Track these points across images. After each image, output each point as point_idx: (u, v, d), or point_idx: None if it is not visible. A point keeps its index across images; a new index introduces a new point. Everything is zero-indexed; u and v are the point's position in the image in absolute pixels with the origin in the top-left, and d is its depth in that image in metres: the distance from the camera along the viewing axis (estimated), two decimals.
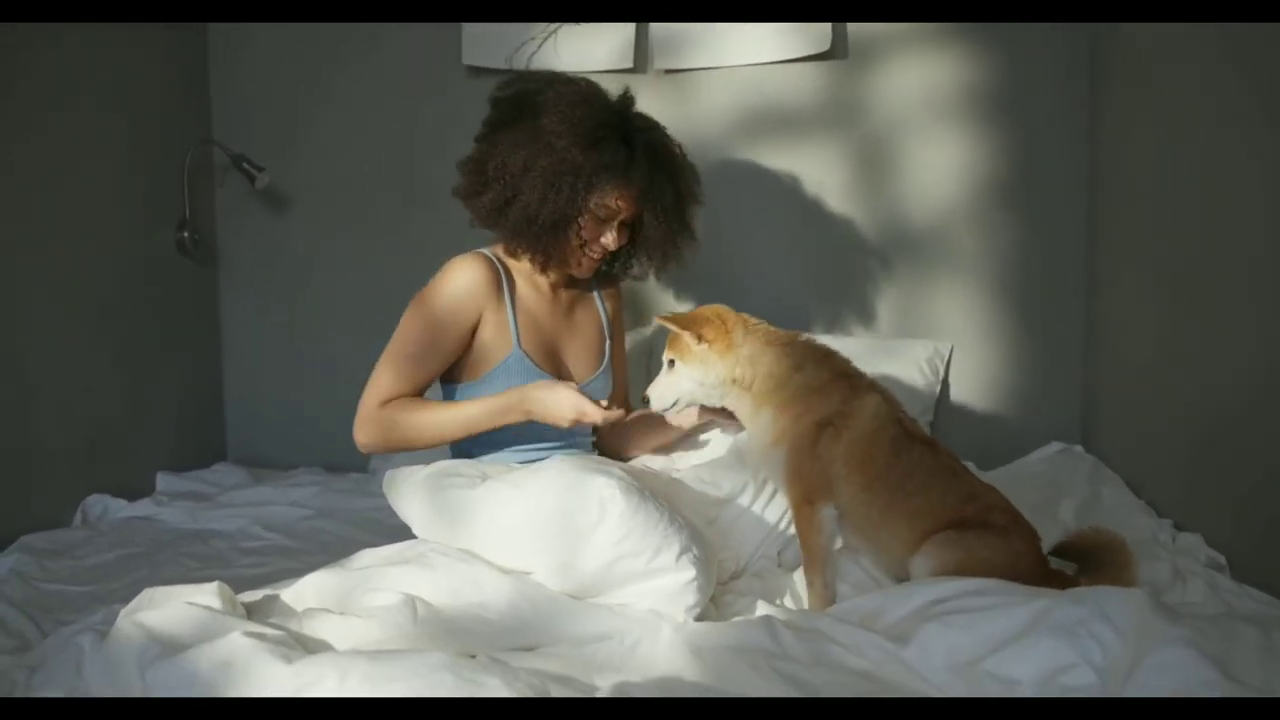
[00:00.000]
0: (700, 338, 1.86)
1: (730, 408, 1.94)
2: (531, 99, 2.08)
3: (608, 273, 2.28)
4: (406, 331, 2.05)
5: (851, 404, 1.86)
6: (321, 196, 3.17)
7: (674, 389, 1.92)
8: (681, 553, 1.65)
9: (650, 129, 2.14)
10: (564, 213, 2.03)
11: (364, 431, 2.01)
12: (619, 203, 2.07)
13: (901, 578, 1.81)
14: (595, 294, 2.31)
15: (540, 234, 2.04)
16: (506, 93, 2.13)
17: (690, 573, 1.65)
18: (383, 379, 2.03)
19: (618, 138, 2.05)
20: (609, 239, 2.10)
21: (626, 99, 2.14)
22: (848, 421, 1.83)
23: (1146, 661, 1.27)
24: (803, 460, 1.82)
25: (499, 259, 2.13)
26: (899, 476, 1.82)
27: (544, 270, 2.15)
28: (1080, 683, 1.31)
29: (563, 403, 1.90)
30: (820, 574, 1.80)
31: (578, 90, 2.08)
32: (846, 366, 1.95)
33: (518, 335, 2.08)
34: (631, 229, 2.16)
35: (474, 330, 2.07)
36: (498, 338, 2.07)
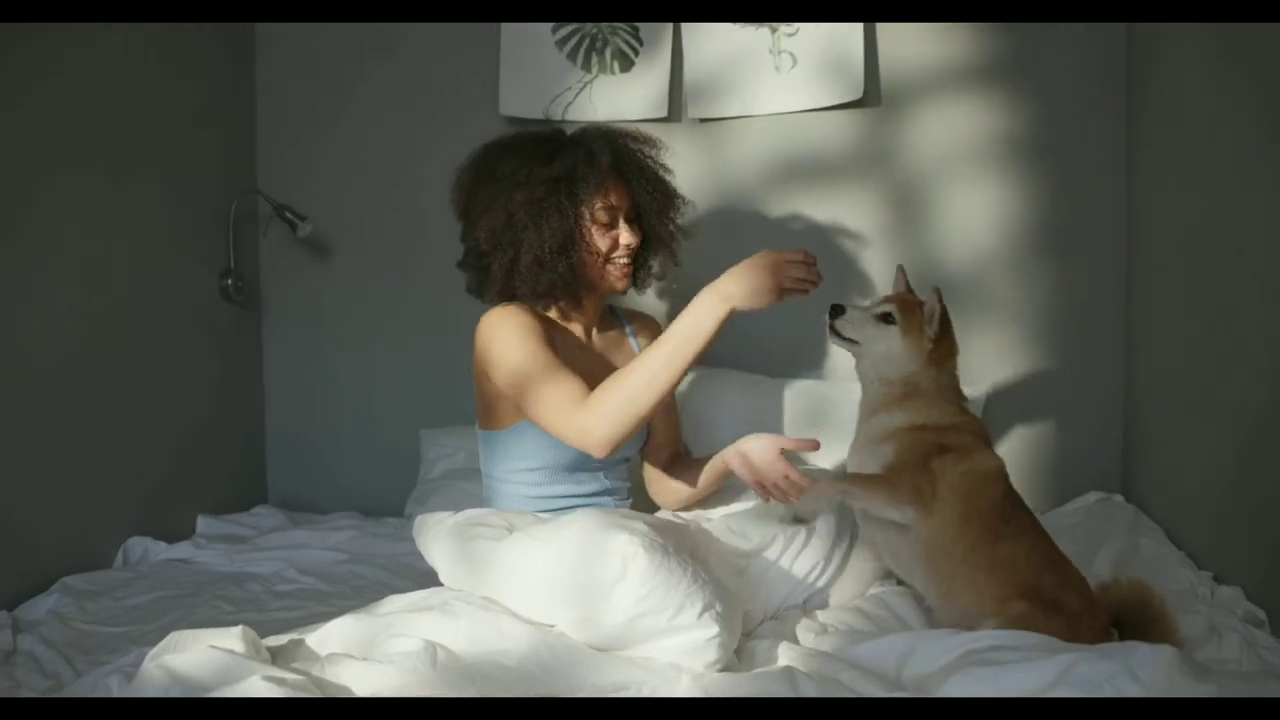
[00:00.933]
0: (936, 341, 1.89)
1: (867, 393, 1.97)
2: (474, 168, 2.18)
3: (631, 310, 2.30)
4: (518, 369, 1.98)
5: (979, 449, 1.88)
6: (362, 246, 3.22)
7: (868, 337, 1.91)
8: (704, 610, 1.64)
9: (594, 128, 2.25)
10: (565, 232, 2.06)
11: (593, 432, 1.88)
12: (610, 198, 2.11)
13: (949, 621, 1.79)
14: (629, 332, 2.33)
15: (557, 266, 2.06)
16: (458, 180, 2.22)
17: (713, 629, 1.64)
18: (556, 397, 1.94)
19: (569, 145, 2.13)
20: (625, 237, 2.14)
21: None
22: (971, 456, 1.84)
23: None
24: (908, 464, 1.82)
25: (529, 308, 2.15)
26: (995, 521, 1.81)
27: (580, 302, 2.17)
28: None
29: (772, 468, 1.92)
30: (857, 488, 1.85)
31: (506, 135, 2.20)
32: (988, 430, 2.00)
33: None
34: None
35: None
36: None
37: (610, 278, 2.17)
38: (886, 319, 1.89)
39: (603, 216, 2.10)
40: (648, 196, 2.19)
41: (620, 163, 2.15)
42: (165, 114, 2.83)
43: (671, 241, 2.26)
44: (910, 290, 2.05)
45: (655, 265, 2.29)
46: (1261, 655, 1.67)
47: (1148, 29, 2.60)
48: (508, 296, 2.14)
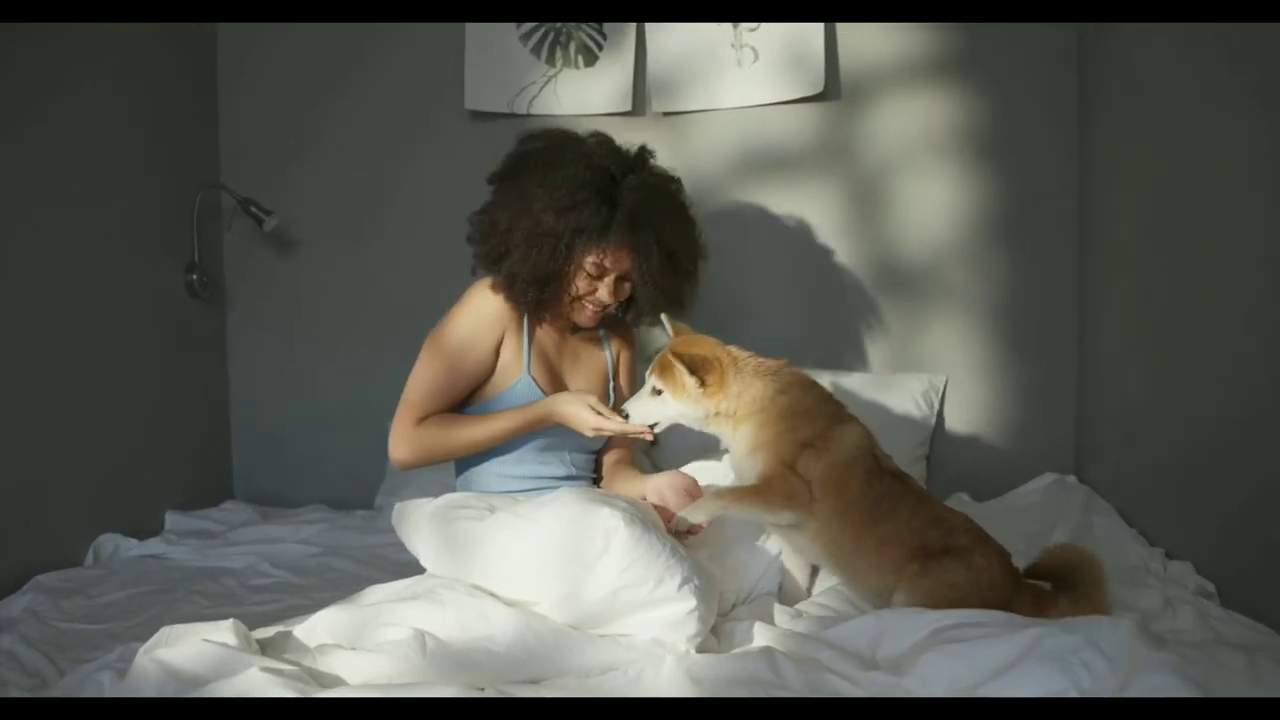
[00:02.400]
0: (703, 383, 1.93)
1: (712, 432, 2.01)
2: (526, 156, 2.15)
3: (618, 318, 2.34)
4: (435, 348, 2.14)
5: (834, 429, 1.94)
6: (328, 239, 3.23)
7: (656, 414, 1.99)
8: (683, 583, 1.69)
9: (643, 188, 2.13)
10: (547, 271, 2.08)
11: (400, 449, 2.11)
12: (606, 262, 2.12)
13: (878, 604, 1.87)
14: (604, 338, 2.37)
15: (528, 290, 2.10)
16: (520, 146, 2.19)
17: (691, 602, 1.69)
18: (415, 397, 2.13)
19: (598, 199, 2.06)
20: (604, 294, 2.16)
21: (632, 158, 2.16)
22: (828, 445, 1.91)
23: (1132, 688, 1.31)
24: (777, 471, 1.89)
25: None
26: (869, 505, 1.89)
27: (540, 323, 2.21)
28: None
29: (582, 414, 1.99)
30: (740, 504, 1.90)
31: (569, 149, 2.12)
32: (830, 396, 2.03)
33: (529, 362, 2.15)
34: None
35: (498, 350, 2.15)
36: (513, 362, 2.16)
37: (576, 314, 2.20)
38: (656, 392, 1.98)
39: (591, 269, 2.12)
40: (652, 271, 2.14)
41: (636, 229, 2.10)
42: (127, 109, 2.81)
43: (669, 301, 2.22)
44: (676, 332, 2.07)
45: (647, 315, 2.27)
46: (1213, 625, 1.76)
47: (1099, 25, 2.68)
48: (487, 274, 2.21)
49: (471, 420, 2.11)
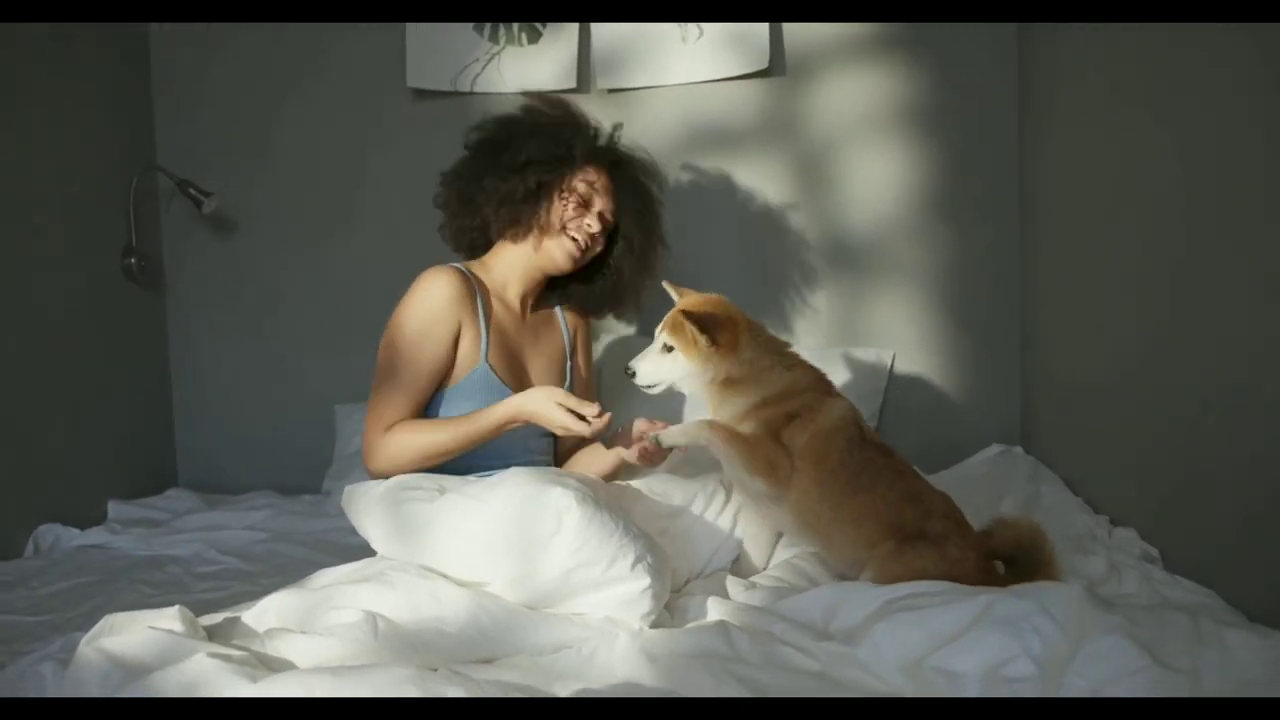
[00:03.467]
0: (714, 341, 1.91)
1: (707, 397, 2.00)
2: (505, 120, 2.27)
3: (582, 291, 2.35)
4: (392, 350, 2.08)
5: (821, 403, 1.95)
6: (269, 220, 3.18)
7: (665, 373, 1.96)
8: (636, 561, 1.69)
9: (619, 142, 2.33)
10: (553, 155, 2.15)
11: (373, 461, 2.05)
12: (592, 178, 2.19)
13: (849, 575, 1.89)
14: (560, 316, 2.36)
15: (530, 176, 2.14)
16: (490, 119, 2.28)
17: (645, 580, 1.68)
18: (380, 404, 2.06)
19: (589, 122, 2.27)
20: (592, 219, 2.19)
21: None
22: (814, 416, 1.93)
23: (1083, 651, 1.33)
24: (764, 440, 1.90)
25: (471, 272, 2.17)
26: (849, 474, 1.89)
27: (527, 233, 2.19)
28: (1021, 673, 1.36)
29: (552, 414, 1.94)
30: (728, 445, 1.90)
31: (540, 105, 2.29)
32: (822, 375, 2.06)
33: (487, 349, 2.13)
34: (608, 243, 2.27)
35: (456, 339, 2.11)
36: (471, 350, 2.12)
37: (559, 248, 2.19)
38: (667, 349, 1.96)
39: (581, 188, 2.17)
40: (631, 217, 2.28)
41: (619, 174, 2.26)
42: (58, 91, 2.75)
43: (637, 283, 2.33)
44: (680, 293, 2.10)
45: (608, 298, 2.36)
46: (1158, 589, 1.79)
47: None
48: (459, 232, 2.26)
49: (440, 425, 2.05)
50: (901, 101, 2.91)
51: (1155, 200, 2.01)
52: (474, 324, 2.13)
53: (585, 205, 2.18)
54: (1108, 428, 2.32)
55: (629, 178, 2.28)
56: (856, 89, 2.92)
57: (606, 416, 1.94)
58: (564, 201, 2.17)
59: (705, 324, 1.90)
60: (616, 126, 2.34)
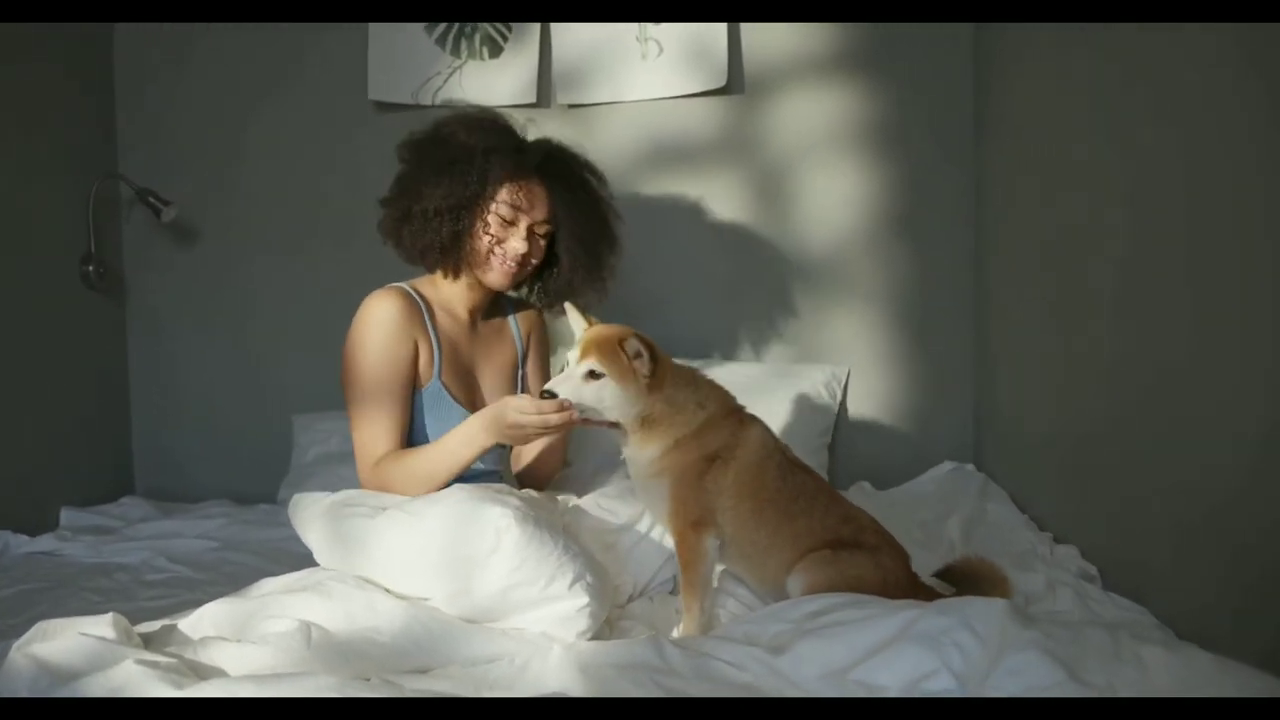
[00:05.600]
0: (653, 373, 1.84)
1: (624, 432, 1.91)
2: (434, 123, 2.17)
3: (529, 304, 2.34)
4: (358, 380, 2.07)
5: (739, 435, 1.91)
6: (230, 230, 3.18)
7: (591, 398, 1.84)
8: (575, 580, 1.70)
9: (549, 141, 2.22)
10: (461, 199, 2.07)
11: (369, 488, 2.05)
12: (519, 196, 2.10)
13: (782, 599, 1.86)
14: (511, 320, 2.35)
15: (441, 228, 2.08)
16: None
17: (583, 599, 1.69)
18: (362, 437, 2.06)
19: (509, 129, 2.16)
20: (517, 241, 2.12)
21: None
22: (735, 453, 1.88)
23: (1000, 666, 1.35)
24: (688, 491, 1.85)
25: (415, 290, 2.17)
26: (787, 501, 1.88)
27: (457, 275, 2.17)
28: (941, 687, 1.38)
29: (510, 415, 1.88)
30: (699, 600, 1.82)
31: (480, 111, 2.21)
32: (733, 400, 1.99)
33: (440, 367, 2.13)
34: (552, 248, 2.21)
35: (415, 359, 2.10)
36: (425, 367, 2.12)
37: (490, 270, 2.15)
38: (593, 375, 1.83)
39: (504, 210, 2.10)
40: (571, 220, 2.17)
41: (548, 172, 2.15)
42: (17, 97, 2.74)
43: (592, 275, 2.24)
44: (589, 321, 1.95)
45: (578, 295, 2.21)
46: (1090, 607, 1.82)
47: (992, 24, 2.74)
48: (399, 249, 2.17)
49: (425, 453, 2.03)
50: (859, 120, 2.95)
51: (1110, 221, 2.04)
52: (426, 342, 2.12)
53: (511, 224, 2.12)
54: (1054, 446, 2.35)
55: (557, 174, 2.17)
56: (814, 107, 2.96)
57: (565, 405, 1.84)
58: (486, 234, 2.11)
59: (656, 353, 1.84)
60: (526, 123, 2.25)
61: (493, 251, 2.13)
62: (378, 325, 2.07)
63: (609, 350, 1.82)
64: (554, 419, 1.83)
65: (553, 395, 1.82)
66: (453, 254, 2.12)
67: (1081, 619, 1.74)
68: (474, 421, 1.99)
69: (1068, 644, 1.39)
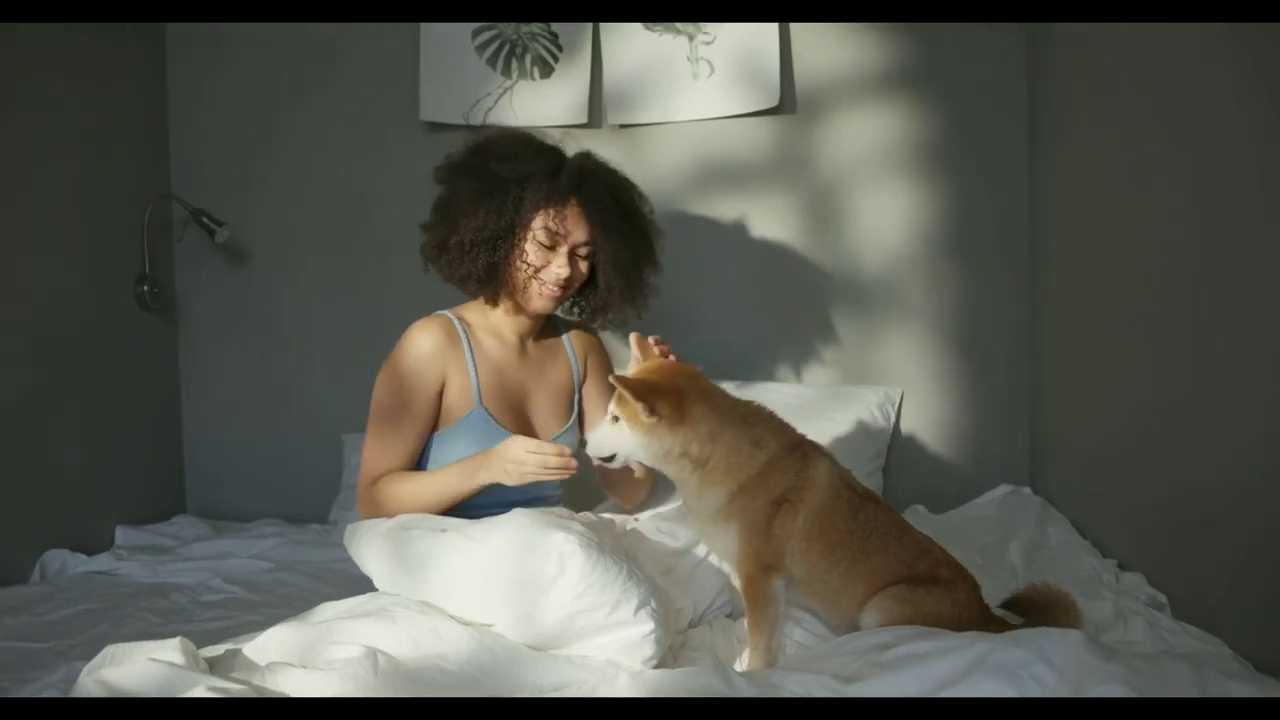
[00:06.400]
0: (652, 410, 1.74)
1: (672, 477, 1.85)
2: (468, 147, 2.16)
3: (576, 320, 2.32)
4: (378, 403, 2.10)
5: (805, 475, 1.82)
6: (281, 250, 3.20)
7: (613, 444, 1.81)
8: (640, 606, 1.68)
9: (590, 158, 2.18)
10: (495, 230, 2.06)
11: (363, 509, 2.09)
12: (556, 221, 2.08)
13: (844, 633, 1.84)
14: (566, 341, 2.33)
15: (479, 258, 2.07)
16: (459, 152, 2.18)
17: (649, 625, 1.68)
18: (370, 455, 2.09)
19: (544, 155, 2.12)
20: (560, 267, 2.10)
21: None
22: (803, 495, 1.80)
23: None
24: (756, 537, 1.79)
25: (459, 318, 2.17)
26: (860, 540, 1.82)
27: (495, 303, 2.17)
28: None
29: (512, 451, 1.91)
30: (766, 639, 1.78)
31: (512, 130, 2.21)
32: (794, 435, 1.90)
33: (479, 393, 2.12)
34: (592, 269, 2.19)
35: (440, 392, 2.11)
36: (461, 397, 2.11)
37: (531, 296, 2.14)
38: (614, 419, 1.80)
39: (542, 236, 2.08)
40: (610, 240, 2.14)
41: (585, 195, 2.11)
42: (74, 119, 2.78)
43: (632, 294, 2.21)
44: (645, 354, 1.92)
45: (613, 312, 2.24)
46: (1164, 637, 1.78)
47: (1047, 34, 2.71)
48: (441, 272, 2.17)
49: (423, 479, 2.06)
50: (912, 139, 2.93)
51: (1168, 241, 2.00)
52: (463, 370, 2.12)
53: (551, 249, 2.09)
54: (1117, 470, 2.31)
55: (594, 194, 2.12)
56: (867, 126, 2.94)
57: (565, 452, 1.89)
58: (523, 263, 2.10)
59: (640, 391, 1.73)
60: (563, 137, 2.23)
61: (532, 279, 2.12)
62: (412, 354, 2.09)
63: (618, 394, 1.77)
64: (552, 462, 1.87)
65: (585, 443, 1.88)
66: (490, 283, 2.12)
67: (1158, 650, 1.70)
68: (477, 457, 2.01)
69: (1152, 678, 1.36)
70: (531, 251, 2.09)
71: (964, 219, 2.93)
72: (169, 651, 1.54)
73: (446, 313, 2.17)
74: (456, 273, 2.12)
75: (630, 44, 2.95)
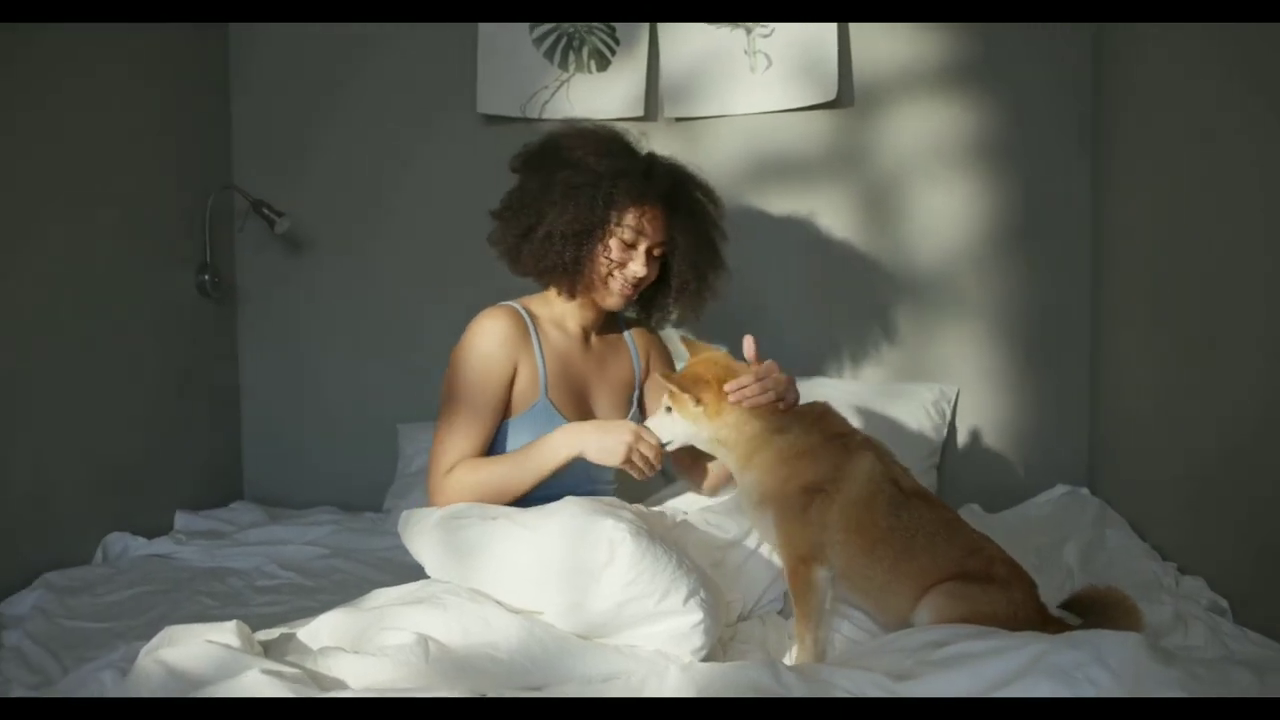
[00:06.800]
0: (698, 400, 1.88)
1: (722, 460, 1.98)
2: (553, 137, 2.16)
3: (638, 319, 2.33)
4: (451, 392, 2.09)
5: (844, 469, 1.84)
6: (340, 241, 3.23)
7: (669, 431, 1.95)
8: (689, 595, 1.68)
9: (670, 160, 2.21)
10: (586, 224, 2.06)
11: (436, 500, 2.06)
12: (643, 219, 2.09)
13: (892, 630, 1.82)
14: (628, 337, 2.34)
15: (564, 251, 2.07)
16: (533, 144, 2.18)
17: (698, 615, 1.67)
18: (442, 444, 2.07)
19: (633, 149, 2.15)
20: (637, 265, 2.12)
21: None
22: (840, 487, 1.82)
23: None
24: (792, 525, 1.82)
25: (525, 309, 2.18)
26: (903, 538, 1.81)
27: (573, 296, 2.17)
28: None
29: (630, 427, 1.95)
30: (813, 632, 1.78)
31: (597, 124, 2.21)
32: (839, 426, 1.94)
33: (546, 384, 2.12)
34: (663, 268, 2.19)
35: (512, 381, 2.11)
36: (529, 388, 2.12)
37: (606, 291, 2.16)
38: (668, 409, 1.95)
39: (627, 234, 2.09)
40: (687, 243, 2.17)
41: (672, 198, 2.14)
42: (139, 110, 2.82)
43: (697, 296, 2.25)
44: (694, 351, 2.06)
45: (674, 311, 2.29)
46: (1225, 642, 1.74)
47: (1112, 31, 2.66)
48: (514, 265, 2.18)
49: (499, 460, 2.06)
50: (971, 134, 2.89)
51: (1234, 238, 1.96)
52: (530, 361, 2.12)
53: (631, 246, 2.11)
54: (1178, 472, 2.27)
55: (679, 198, 2.17)
56: (925, 121, 2.91)
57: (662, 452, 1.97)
58: (606, 258, 2.11)
59: (688, 384, 1.89)
60: (641, 136, 2.25)
61: (612, 274, 2.13)
62: (482, 344, 2.08)
63: (677, 385, 1.91)
64: (653, 455, 1.96)
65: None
66: (573, 276, 2.12)
67: (1218, 656, 1.67)
68: (557, 433, 2.01)
69: (1212, 686, 1.33)
70: (615, 248, 2.11)
71: (1023, 216, 2.89)
72: (225, 634, 1.57)
73: (513, 303, 2.18)
74: (540, 264, 2.12)
75: (687, 37, 2.94)
